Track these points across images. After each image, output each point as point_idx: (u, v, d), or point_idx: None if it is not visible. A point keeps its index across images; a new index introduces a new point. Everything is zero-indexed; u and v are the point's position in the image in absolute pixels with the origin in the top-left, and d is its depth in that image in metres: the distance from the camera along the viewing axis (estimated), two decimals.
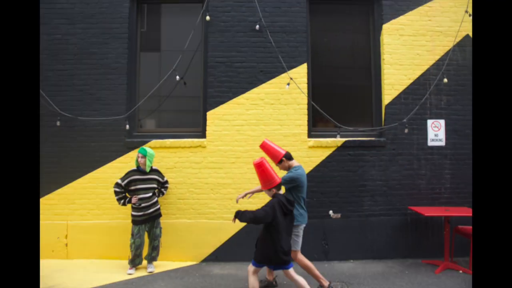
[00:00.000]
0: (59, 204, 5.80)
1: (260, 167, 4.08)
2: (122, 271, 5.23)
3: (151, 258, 5.40)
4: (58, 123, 5.81)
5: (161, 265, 5.51)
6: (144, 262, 5.45)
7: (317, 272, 4.52)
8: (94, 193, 5.80)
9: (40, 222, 5.62)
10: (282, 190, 4.32)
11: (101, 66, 5.95)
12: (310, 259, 5.70)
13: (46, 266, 5.41)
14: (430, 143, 6.06)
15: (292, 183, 4.42)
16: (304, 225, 4.55)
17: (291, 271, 4.03)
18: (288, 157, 4.58)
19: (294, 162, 4.62)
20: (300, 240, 4.52)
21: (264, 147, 4.68)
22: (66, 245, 5.77)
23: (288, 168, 4.58)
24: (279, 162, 4.57)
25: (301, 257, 4.53)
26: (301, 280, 4.04)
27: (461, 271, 5.27)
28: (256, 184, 5.82)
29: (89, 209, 5.80)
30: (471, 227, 5.26)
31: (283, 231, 3.95)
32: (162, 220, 5.53)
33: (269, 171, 4.08)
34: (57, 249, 5.76)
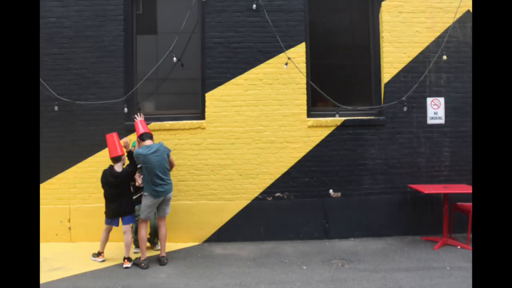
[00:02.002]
0: (60, 189, 5.83)
1: (107, 139, 5.05)
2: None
3: (153, 243, 5.52)
4: (56, 108, 5.77)
5: None
6: (147, 243, 5.52)
7: (144, 247, 4.93)
8: (95, 176, 5.78)
9: (43, 206, 5.66)
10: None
11: (97, 49, 5.88)
12: (311, 238, 5.83)
13: (51, 249, 5.48)
14: (429, 121, 6.05)
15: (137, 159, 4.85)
16: (151, 198, 4.81)
17: (124, 227, 4.96)
18: (142, 138, 4.95)
19: (147, 142, 4.89)
20: (145, 209, 4.87)
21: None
22: (70, 228, 5.82)
23: None
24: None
25: (142, 227, 4.91)
26: (127, 237, 4.92)
27: (459, 247, 5.36)
28: (257, 164, 5.87)
29: (90, 192, 5.83)
30: (470, 204, 5.31)
31: (107, 197, 4.96)
32: None
33: (113, 145, 4.99)
34: (61, 232, 5.82)
